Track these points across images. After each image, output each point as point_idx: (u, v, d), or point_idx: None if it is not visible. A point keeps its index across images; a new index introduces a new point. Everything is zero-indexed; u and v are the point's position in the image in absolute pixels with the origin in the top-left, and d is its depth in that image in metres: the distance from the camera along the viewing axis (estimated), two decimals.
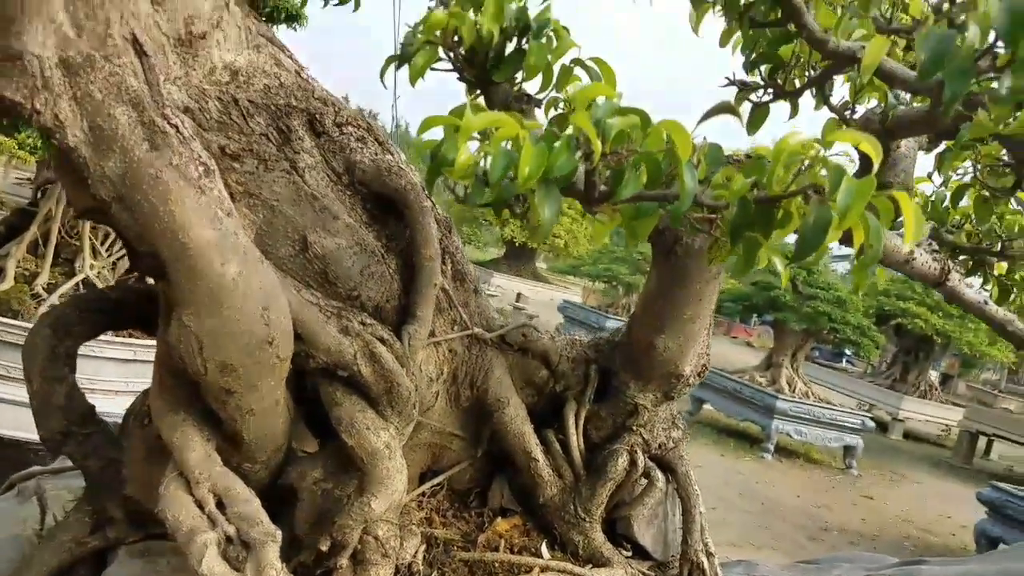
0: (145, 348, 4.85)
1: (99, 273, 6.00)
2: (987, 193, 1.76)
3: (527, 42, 1.55)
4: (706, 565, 1.98)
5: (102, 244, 6.13)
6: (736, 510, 7.73)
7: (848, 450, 10.83)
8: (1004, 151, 1.59)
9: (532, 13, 1.55)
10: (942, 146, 1.75)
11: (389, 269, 1.72)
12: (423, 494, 1.96)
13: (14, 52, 1.21)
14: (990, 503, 7.24)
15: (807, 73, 1.58)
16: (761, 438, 10.62)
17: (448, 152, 1.10)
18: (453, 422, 1.96)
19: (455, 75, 1.68)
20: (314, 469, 1.68)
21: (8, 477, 2.19)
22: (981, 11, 1.09)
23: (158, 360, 1.55)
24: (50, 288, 5.62)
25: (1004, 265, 2.09)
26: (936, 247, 1.89)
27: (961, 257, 2.12)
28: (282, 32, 5.60)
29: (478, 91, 1.70)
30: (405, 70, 1.67)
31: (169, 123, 1.31)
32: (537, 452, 1.94)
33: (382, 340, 1.60)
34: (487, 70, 1.61)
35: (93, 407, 1.74)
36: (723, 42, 1.58)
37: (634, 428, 2.01)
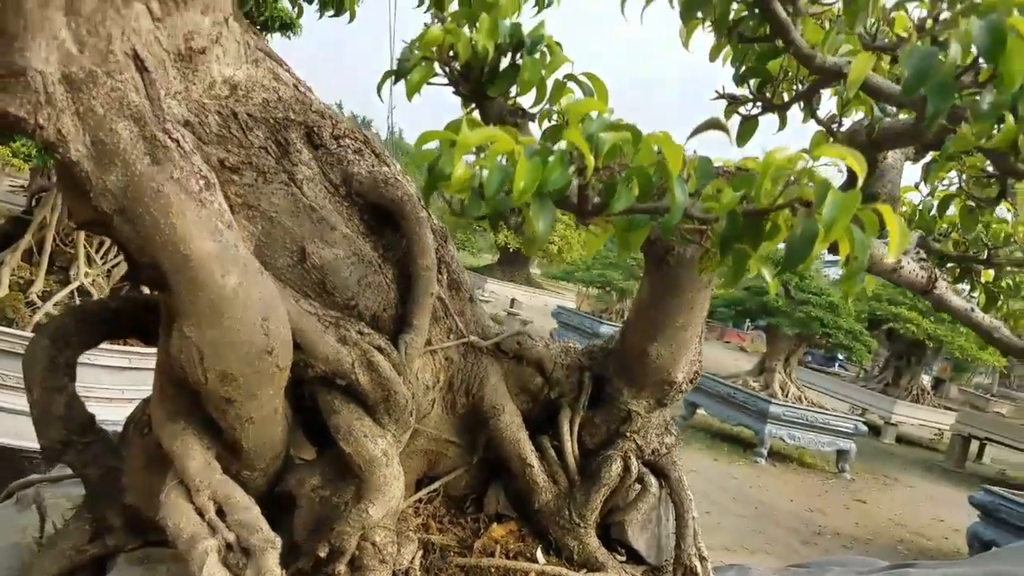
0: (141, 356, 4.86)
1: (94, 281, 6.00)
2: (972, 203, 1.80)
3: (521, 58, 1.59)
4: (699, 569, 2.01)
5: (97, 252, 6.14)
6: (730, 514, 7.76)
7: (841, 454, 10.86)
8: (988, 162, 1.63)
9: (526, 29, 1.58)
10: (928, 157, 1.78)
11: (386, 279, 1.74)
12: (420, 500, 1.98)
13: (18, 68, 1.23)
14: (983, 507, 7.27)
15: (795, 87, 1.62)
16: (755, 442, 10.66)
17: (445, 166, 1.13)
18: (449, 429, 1.99)
19: (451, 89, 1.71)
20: (312, 476, 1.70)
21: (5, 485, 2.21)
22: (963, 29, 1.12)
23: (159, 370, 1.57)
24: (45, 296, 5.62)
25: (991, 273, 2.12)
26: (924, 255, 1.92)
27: (949, 265, 2.15)
28: (276, 40, 5.62)
29: (473, 105, 1.73)
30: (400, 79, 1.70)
31: (170, 137, 1.34)
32: (532, 458, 1.97)
33: (379, 349, 1.63)
34: (482, 85, 1.64)
35: (93, 416, 1.76)
36: (712, 57, 1.62)
37: (628, 434, 2.04)
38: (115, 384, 4.78)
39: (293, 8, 3.99)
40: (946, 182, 1.92)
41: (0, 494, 2.17)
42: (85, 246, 5.98)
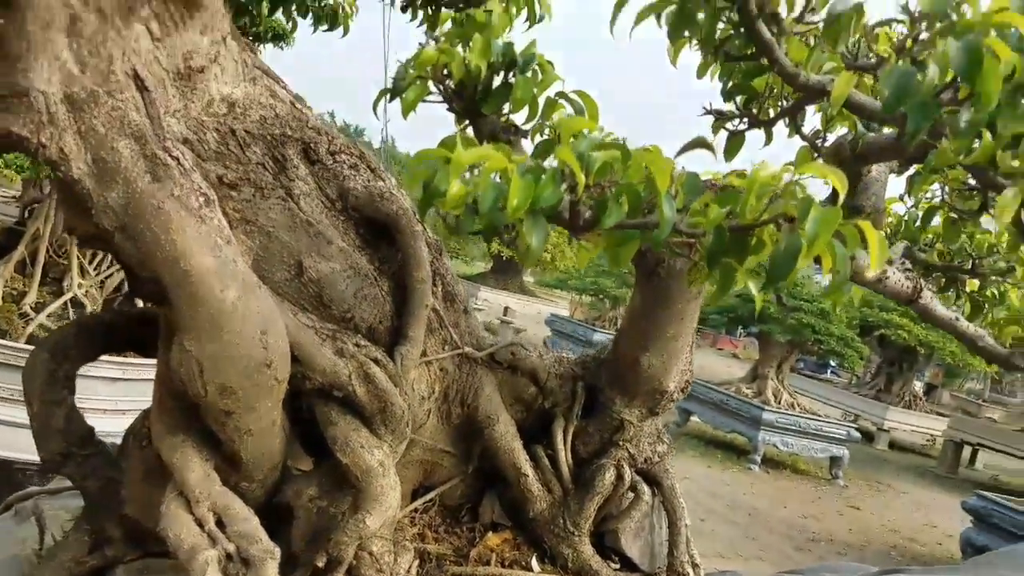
0: (135, 368, 4.87)
1: (87, 292, 6.01)
2: (955, 215, 1.84)
3: (514, 76, 1.62)
4: None
5: (90, 263, 6.15)
6: (724, 521, 7.79)
7: (834, 461, 10.91)
8: (970, 175, 1.67)
9: (518, 48, 1.62)
10: (912, 169, 1.82)
11: (382, 291, 1.77)
12: (416, 510, 2.00)
13: (21, 89, 1.26)
14: (975, 512, 7.31)
15: (780, 103, 1.66)
16: (748, 449, 10.69)
17: (440, 184, 1.16)
18: (444, 439, 2.01)
19: (445, 106, 1.75)
20: (309, 487, 1.72)
21: (2, 498, 2.22)
22: (940, 50, 1.16)
23: (158, 382, 1.60)
24: (38, 307, 5.62)
25: (975, 282, 2.16)
26: (909, 266, 1.96)
27: (934, 275, 2.19)
28: (269, 50, 5.66)
29: (467, 121, 1.77)
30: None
31: (170, 155, 1.37)
32: (527, 467, 2.00)
33: (376, 361, 1.66)
34: (476, 102, 1.68)
35: (92, 429, 1.78)
36: (700, 74, 1.66)
37: (620, 443, 2.07)
38: (110, 395, 4.78)
39: (288, 22, 4.03)
40: (929, 194, 1.96)
41: None
42: (78, 257, 5.98)
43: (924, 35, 1.31)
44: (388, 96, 1.70)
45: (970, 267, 2.10)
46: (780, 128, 1.71)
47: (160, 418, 1.58)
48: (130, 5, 1.38)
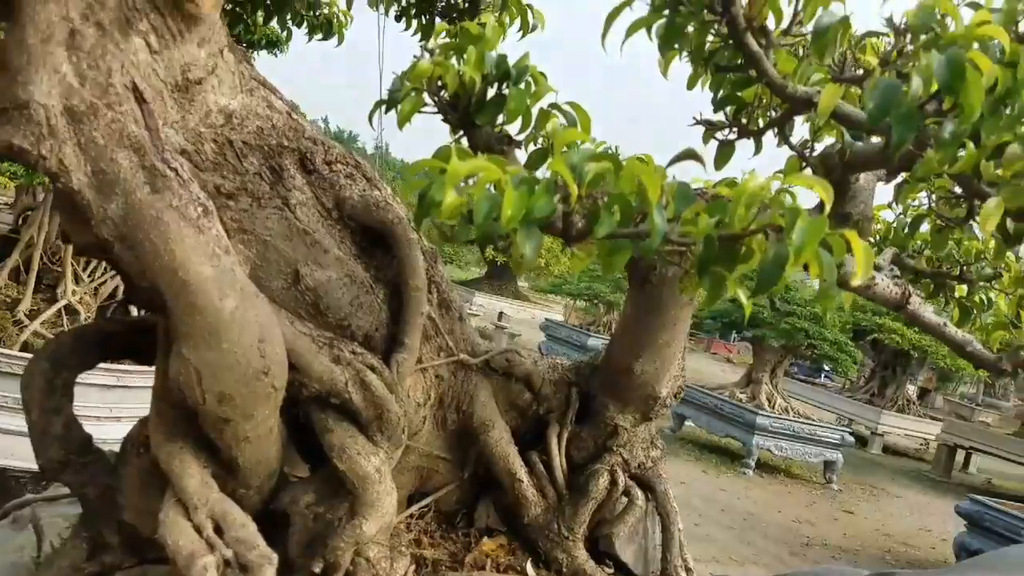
0: (129, 375, 4.87)
1: (81, 299, 6.00)
2: (942, 223, 1.87)
3: (507, 88, 1.65)
4: None
5: (84, 270, 6.14)
6: (719, 526, 7.81)
7: (828, 465, 10.94)
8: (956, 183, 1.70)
9: (511, 59, 1.64)
10: (900, 177, 1.85)
11: (378, 299, 1.79)
12: (412, 516, 2.02)
13: (21, 101, 1.28)
14: (969, 516, 7.33)
15: (769, 114, 1.69)
16: (742, 454, 10.72)
17: (436, 194, 1.18)
18: (440, 445, 2.03)
19: (439, 117, 1.77)
20: (306, 493, 1.74)
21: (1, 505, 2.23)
22: (924, 63, 1.19)
23: (156, 391, 1.61)
24: (32, 315, 5.62)
25: (964, 288, 2.19)
26: (897, 272, 1.99)
27: (923, 280, 2.22)
28: (263, 57, 5.68)
29: (461, 132, 1.79)
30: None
31: (169, 167, 1.39)
32: (521, 473, 2.01)
33: (372, 368, 1.68)
34: (470, 114, 1.70)
35: (90, 436, 1.79)
36: (690, 85, 1.69)
37: (614, 448, 2.09)
38: (104, 402, 4.78)
39: (283, 31, 4.06)
40: (917, 202, 1.99)
41: None
42: (72, 264, 5.98)
43: (908, 48, 1.34)
44: (384, 109, 1.72)
45: (958, 273, 2.13)
46: (769, 140, 1.74)
47: (158, 426, 1.59)
48: (129, 19, 1.40)
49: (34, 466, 1.79)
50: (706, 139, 1.74)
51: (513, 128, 1.74)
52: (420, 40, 3.12)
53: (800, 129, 1.74)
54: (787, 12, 1.49)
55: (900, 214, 2.10)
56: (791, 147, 1.73)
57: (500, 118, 1.71)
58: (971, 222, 1.78)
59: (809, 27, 1.45)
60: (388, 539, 1.75)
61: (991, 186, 1.38)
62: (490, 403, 2.04)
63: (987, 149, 1.30)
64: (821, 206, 1.20)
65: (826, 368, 18.86)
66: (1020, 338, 2.06)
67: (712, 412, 11.01)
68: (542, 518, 2.01)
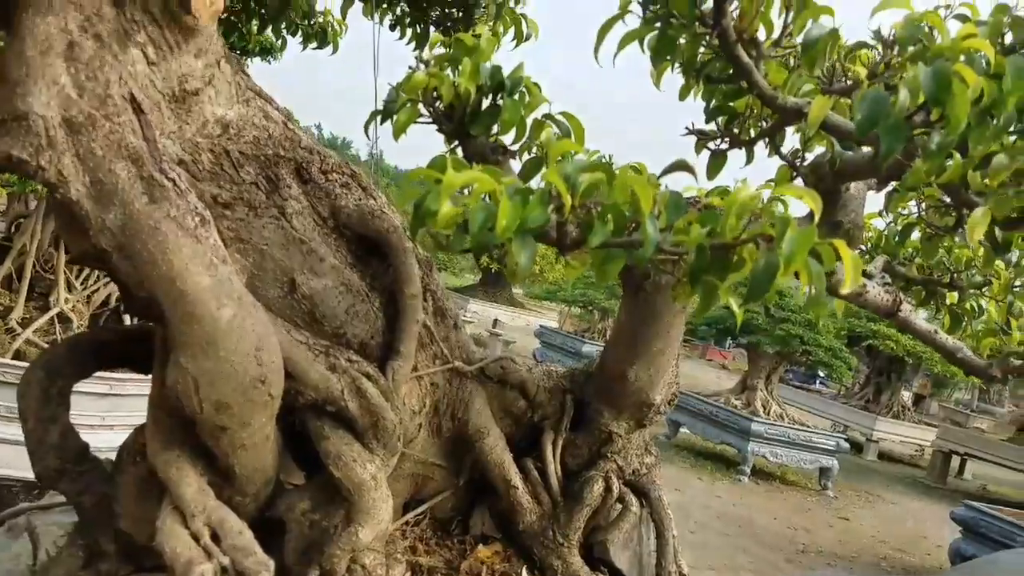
0: (122, 383, 4.87)
1: (74, 307, 5.99)
2: (931, 231, 1.89)
3: (502, 98, 1.67)
4: None
5: (76, 278, 6.13)
6: (714, 533, 7.81)
7: (824, 471, 10.95)
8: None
9: (506, 71, 1.67)
10: (890, 186, 1.87)
11: (373, 307, 1.80)
12: (407, 523, 2.03)
13: (20, 113, 1.29)
14: (964, 522, 7.34)
15: (760, 124, 1.71)
16: (737, 461, 10.73)
17: (431, 204, 1.19)
18: (435, 453, 2.04)
19: (434, 127, 1.79)
20: (302, 501, 1.74)
21: None
22: (911, 75, 1.21)
23: (153, 399, 1.62)
24: (25, 323, 5.61)
25: (954, 295, 2.22)
26: (888, 279, 2.01)
27: (914, 288, 2.24)
28: (256, 64, 5.69)
29: (456, 142, 1.81)
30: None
31: (166, 177, 1.40)
32: (516, 480, 2.03)
33: (368, 376, 1.69)
34: (464, 124, 1.72)
35: (87, 445, 1.80)
36: (682, 96, 1.71)
37: (609, 455, 2.10)
38: (95, 411, 4.77)
39: (277, 40, 4.08)
40: (907, 210, 2.01)
41: None
42: (65, 272, 5.97)
43: (896, 60, 1.36)
44: (380, 119, 1.74)
45: (949, 280, 2.15)
46: (761, 148, 1.76)
47: (155, 433, 1.60)
48: (127, 31, 1.42)
49: (26, 475, 1.79)
50: (698, 149, 1.77)
51: (507, 138, 1.76)
52: (414, 49, 3.14)
53: (791, 139, 1.77)
54: (777, 24, 1.51)
55: (891, 222, 2.12)
56: (782, 157, 1.75)
57: (495, 128, 1.73)
58: (960, 230, 1.80)
59: (799, 39, 1.47)
60: (384, 546, 1.76)
61: (978, 195, 1.41)
62: (485, 410, 2.05)
63: (974, 160, 1.32)
64: (811, 215, 1.22)
65: (821, 374, 18.91)
66: (1010, 344, 2.08)
67: (707, 419, 11.02)
68: (537, 525, 2.02)
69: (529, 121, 1.68)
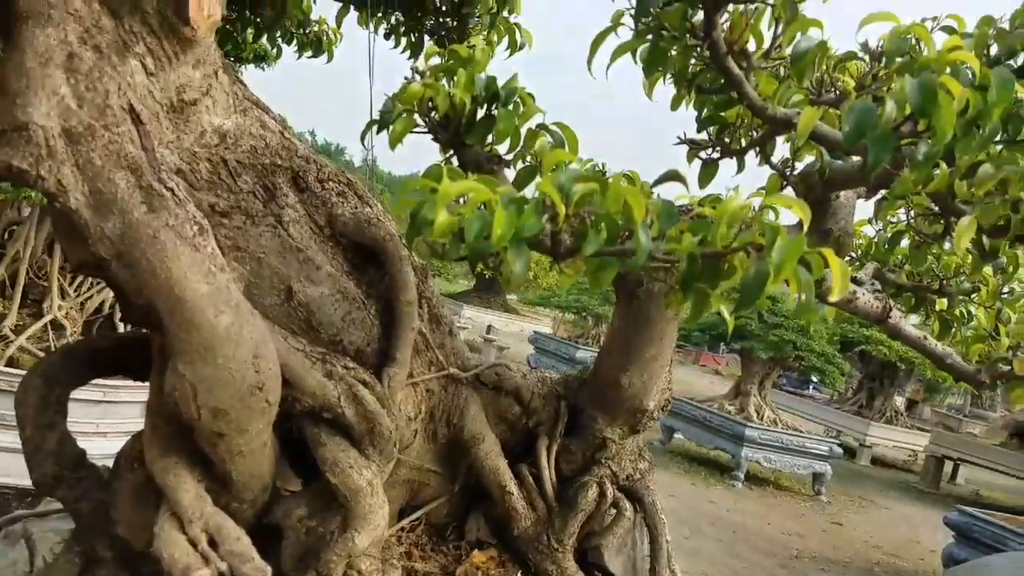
0: (115, 390, 4.86)
1: (67, 314, 5.98)
2: (920, 239, 1.92)
3: (496, 109, 1.69)
4: None
5: (70, 285, 6.12)
6: (708, 538, 7.82)
7: (817, 477, 10.97)
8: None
9: (500, 82, 1.69)
10: (880, 194, 1.90)
11: (369, 315, 1.82)
12: (403, 529, 2.04)
13: (20, 123, 1.31)
14: (957, 527, 7.36)
15: (751, 134, 1.74)
16: (731, 466, 10.73)
17: (427, 213, 1.21)
18: (431, 459, 2.06)
19: (430, 136, 1.82)
20: (299, 507, 1.75)
21: None
22: (898, 87, 1.23)
23: (151, 406, 1.63)
24: (18, 330, 5.60)
25: (944, 301, 2.24)
26: (878, 286, 2.04)
27: (904, 294, 2.27)
28: (250, 71, 5.70)
29: (451, 151, 1.83)
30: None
31: (165, 186, 1.41)
32: (511, 486, 2.04)
33: (364, 383, 1.70)
34: (460, 134, 1.74)
35: (84, 452, 1.81)
36: (674, 107, 1.73)
37: (603, 461, 2.12)
38: (89, 417, 4.77)
39: (273, 48, 4.10)
40: (896, 218, 2.04)
41: None
42: (59, 279, 5.96)
43: (884, 72, 1.39)
44: (376, 129, 1.76)
45: (938, 287, 2.18)
46: (752, 157, 1.78)
47: (153, 440, 1.61)
48: (126, 42, 1.43)
49: (21, 482, 1.80)
50: (690, 158, 1.79)
51: (502, 148, 1.78)
52: (409, 57, 3.16)
53: (781, 148, 1.79)
54: (767, 36, 1.54)
55: (880, 230, 2.15)
56: (772, 166, 1.78)
57: (489, 138, 1.75)
58: (948, 238, 1.83)
59: (789, 50, 1.49)
60: (380, 552, 1.77)
61: (965, 204, 1.43)
62: (480, 416, 2.06)
63: (960, 169, 1.34)
64: (801, 224, 1.24)
65: (814, 380, 18.95)
66: (998, 350, 2.11)
67: (701, 424, 11.04)
68: (532, 530, 2.04)
69: (523, 131, 1.70)
